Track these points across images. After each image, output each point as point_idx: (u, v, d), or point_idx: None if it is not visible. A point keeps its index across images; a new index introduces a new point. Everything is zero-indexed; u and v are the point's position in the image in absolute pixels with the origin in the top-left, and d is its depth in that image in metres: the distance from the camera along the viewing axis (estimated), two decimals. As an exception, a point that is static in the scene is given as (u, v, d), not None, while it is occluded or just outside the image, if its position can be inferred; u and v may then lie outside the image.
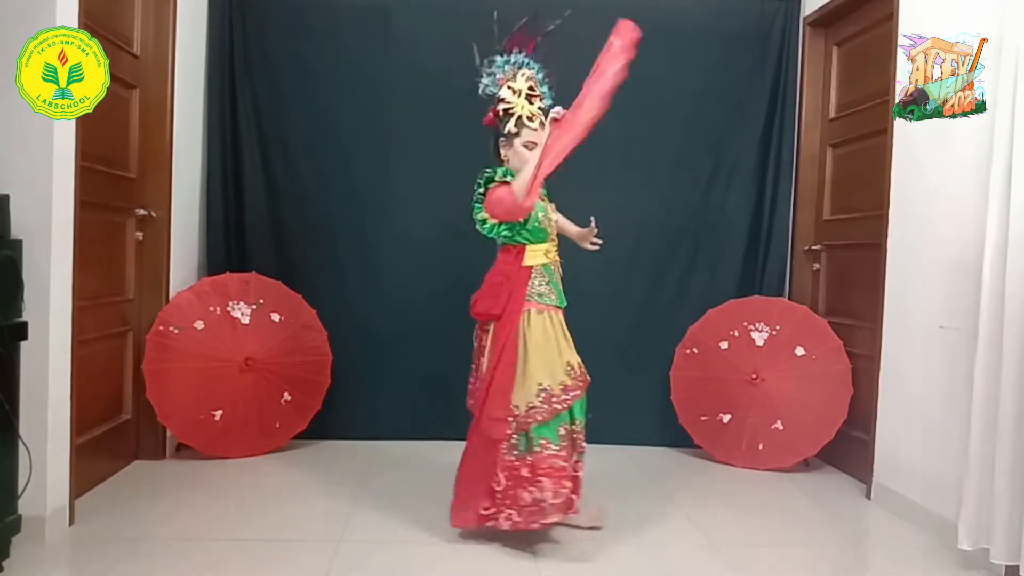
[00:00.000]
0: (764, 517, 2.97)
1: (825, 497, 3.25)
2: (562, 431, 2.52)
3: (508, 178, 2.56)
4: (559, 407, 2.50)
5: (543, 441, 2.48)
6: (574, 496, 2.51)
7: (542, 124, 2.56)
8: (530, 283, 2.56)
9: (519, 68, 2.60)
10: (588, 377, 2.60)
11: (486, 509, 2.50)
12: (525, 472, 2.47)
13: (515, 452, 2.49)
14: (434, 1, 3.83)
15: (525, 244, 2.57)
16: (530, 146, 2.56)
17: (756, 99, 3.90)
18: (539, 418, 2.47)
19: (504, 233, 2.56)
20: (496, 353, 2.53)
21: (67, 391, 2.53)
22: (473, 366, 2.71)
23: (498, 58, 2.60)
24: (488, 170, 2.60)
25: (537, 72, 2.64)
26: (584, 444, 2.58)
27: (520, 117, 2.56)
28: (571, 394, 2.52)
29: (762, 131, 3.91)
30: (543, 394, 2.49)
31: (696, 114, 3.90)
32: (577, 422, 2.56)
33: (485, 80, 2.62)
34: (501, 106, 2.58)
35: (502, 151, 2.63)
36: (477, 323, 2.68)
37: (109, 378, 3.16)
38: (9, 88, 2.10)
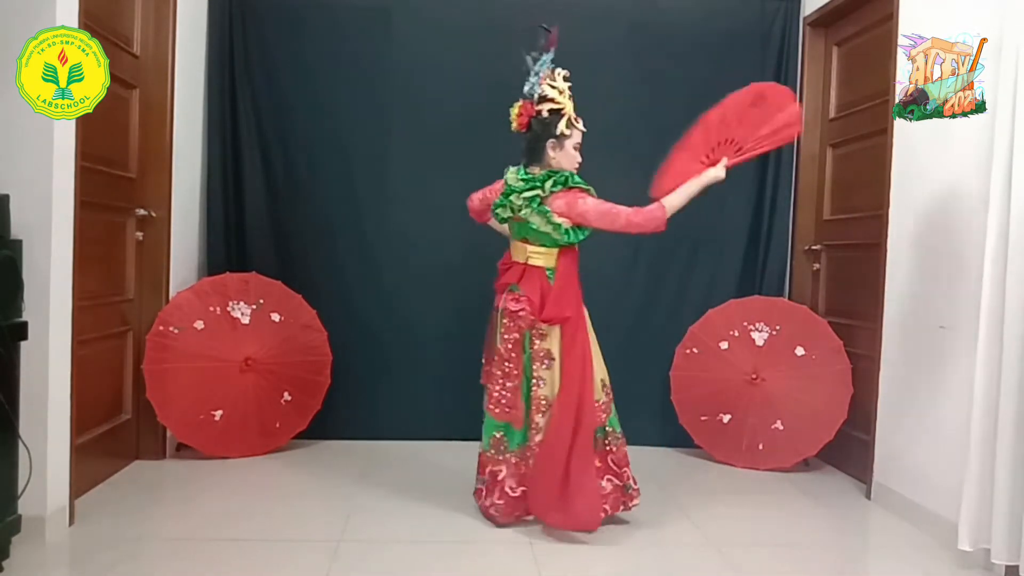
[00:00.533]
0: (764, 517, 2.98)
1: (825, 497, 3.25)
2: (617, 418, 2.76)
3: (575, 181, 2.60)
4: (610, 398, 2.72)
5: (619, 433, 2.74)
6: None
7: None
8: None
9: (554, 68, 2.62)
10: None
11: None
12: (598, 463, 2.66)
13: None
14: (434, 1, 3.84)
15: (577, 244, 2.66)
16: (577, 147, 2.62)
17: (756, 99, 3.90)
18: (609, 412, 2.69)
19: (581, 236, 2.62)
20: (579, 354, 2.60)
21: (67, 391, 2.53)
22: (499, 373, 2.66)
23: (544, 56, 2.61)
24: (556, 173, 2.59)
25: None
26: None
27: (570, 118, 2.59)
28: (610, 385, 2.75)
29: (762, 131, 3.90)
30: (605, 387, 2.69)
31: (696, 114, 3.85)
32: None
33: (532, 79, 2.63)
34: (548, 106, 2.58)
35: (551, 152, 2.60)
36: (505, 326, 2.65)
37: (109, 378, 3.15)
38: (9, 88, 2.10)
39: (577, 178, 2.61)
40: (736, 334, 3.62)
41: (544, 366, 2.63)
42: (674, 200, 2.56)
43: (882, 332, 3.16)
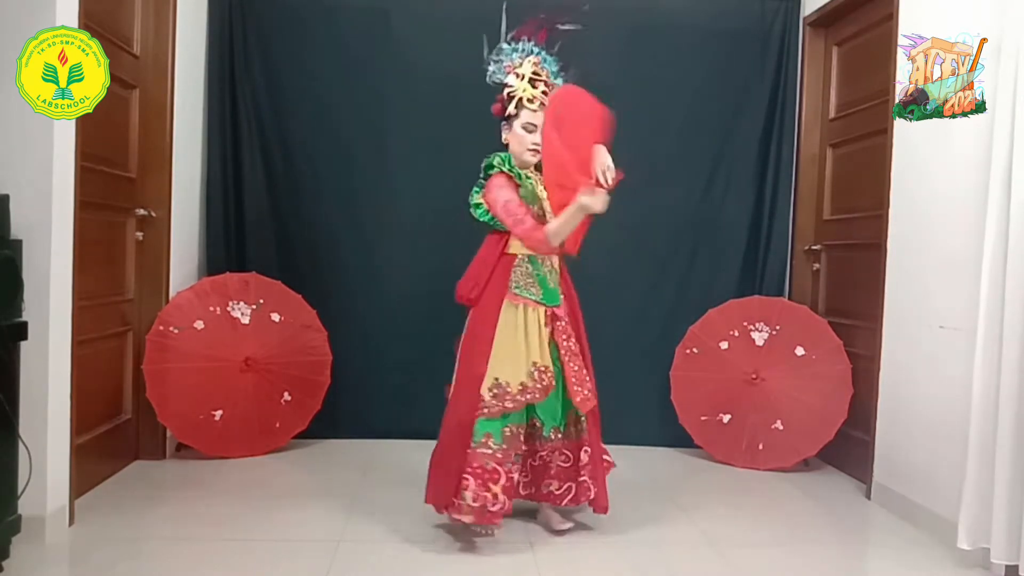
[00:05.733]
0: (764, 517, 2.97)
1: (825, 497, 3.26)
2: (508, 432, 2.49)
3: (507, 167, 2.55)
4: (510, 406, 2.48)
5: (483, 438, 2.46)
6: (497, 507, 2.44)
7: (542, 105, 2.55)
8: (512, 272, 2.56)
9: (527, 56, 2.60)
10: (553, 383, 2.54)
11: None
12: (475, 464, 2.46)
13: None
14: (432, 1, 3.84)
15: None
16: (529, 127, 2.56)
17: (756, 99, 3.90)
18: (485, 412, 2.46)
19: (493, 220, 2.56)
20: (468, 334, 2.55)
21: (67, 391, 2.53)
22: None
23: (505, 46, 2.60)
24: (493, 157, 2.59)
25: (547, 60, 2.63)
26: (545, 446, 2.64)
27: (520, 99, 2.55)
28: (527, 396, 2.50)
29: (762, 131, 3.91)
30: (496, 389, 2.48)
31: (696, 114, 3.91)
32: (538, 425, 2.61)
33: (492, 67, 2.61)
34: (506, 91, 2.58)
35: (503, 134, 2.62)
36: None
37: (109, 378, 3.15)
38: (9, 88, 2.10)
39: (509, 165, 2.57)
40: (736, 334, 3.62)
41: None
42: (553, 224, 2.48)
43: (882, 332, 3.16)
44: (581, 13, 2.64)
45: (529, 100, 2.55)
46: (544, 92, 2.57)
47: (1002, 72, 2.38)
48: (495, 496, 2.44)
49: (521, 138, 2.57)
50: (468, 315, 2.62)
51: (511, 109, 2.57)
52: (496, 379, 2.49)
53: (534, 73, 2.57)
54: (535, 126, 2.55)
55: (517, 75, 2.57)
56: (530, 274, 2.57)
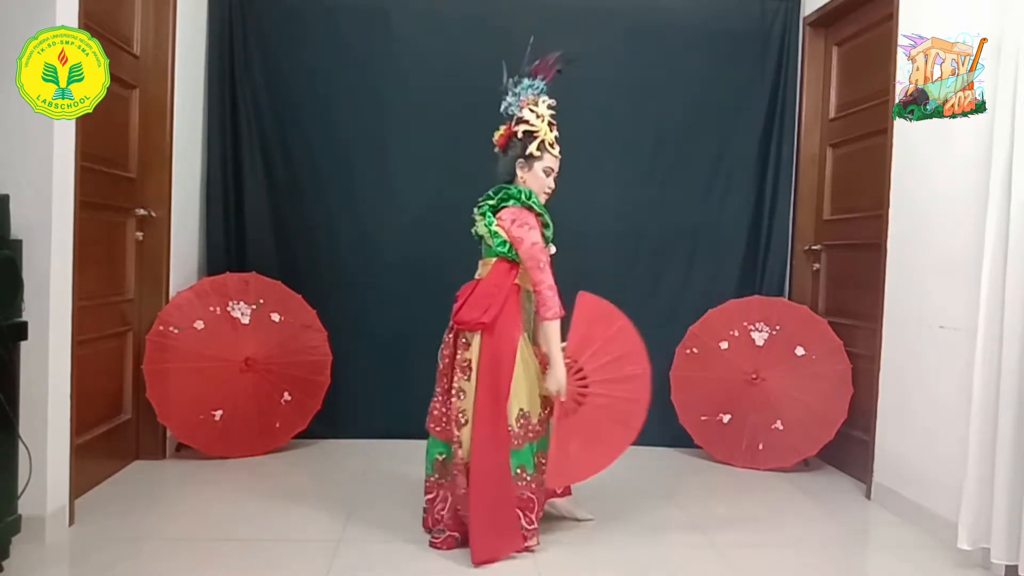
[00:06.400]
0: (764, 517, 2.97)
1: (825, 497, 3.25)
2: (540, 460, 2.54)
3: (534, 202, 2.54)
4: (532, 436, 2.51)
5: (519, 470, 2.47)
6: (531, 532, 2.50)
7: (560, 151, 2.62)
8: (520, 302, 2.55)
9: (539, 93, 2.60)
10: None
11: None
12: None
13: None
14: (433, 2, 3.84)
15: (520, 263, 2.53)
16: (548, 171, 2.59)
17: (756, 99, 3.90)
18: (516, 443, 2.46)
19: (513, 255, 2.51)
20: (489, 365, 2.45)
21: (67, 391, 2.53)
22: (438, 389, 2.59)
23: (525, 80, 2.60)
24: (512, 188, 2.56)
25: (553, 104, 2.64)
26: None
27: (543, 142, 2.56)
28: (543, 427, 2.54)
29: (762, 131, 3.91)
30: (522, 419, 2.48)
31: (696, 114, 3.91)
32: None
33: (509, 99, 2.61)
34: (522, 127, 2.56)
35: (519, 172, 2.59)
36: (444, 342, 2.62)
37: (109, 378, 3.16)
38: (9, 88, 2.10)
39: (536, 200, 2.55)
40: (736, 334, 3.62)
41: (464, 377, 2.49)
42: (552, 332, 2.49)
43: (882, 332, 3.16)
44: (575, 58, 2.67)
45: (551, 144, 2.58)
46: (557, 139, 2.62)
47: (1002, 72, 2.38)
48: (530, 522, 2.50)
49: (541, 181, 2.59)
50: (452, 347, 2.56)
51: (532, 150, 2.55)
52: (521, 409, 2.49)
53: (552, 116, 2.59)
54: (553, 170, 2.61)
55: (535, 113, 2.57)
56: (526, 309, 2.59)
